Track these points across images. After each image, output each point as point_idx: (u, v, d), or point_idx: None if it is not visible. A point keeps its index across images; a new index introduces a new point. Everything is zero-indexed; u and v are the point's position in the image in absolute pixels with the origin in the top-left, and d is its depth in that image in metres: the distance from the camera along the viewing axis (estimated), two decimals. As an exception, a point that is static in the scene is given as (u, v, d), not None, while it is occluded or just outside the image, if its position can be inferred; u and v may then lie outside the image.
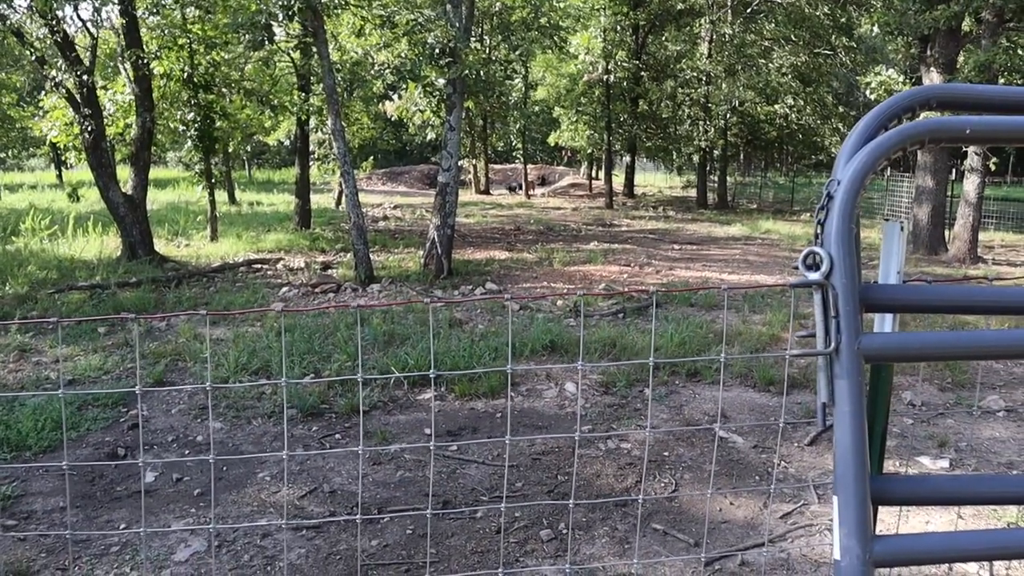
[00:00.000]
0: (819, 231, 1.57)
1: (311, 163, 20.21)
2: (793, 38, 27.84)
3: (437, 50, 12.23)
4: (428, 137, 31.23)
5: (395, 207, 25.53)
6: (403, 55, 16.94)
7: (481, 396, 6.28)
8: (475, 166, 35.72)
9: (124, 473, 4.86)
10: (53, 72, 12.86)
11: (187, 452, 5.21)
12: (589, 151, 33.42)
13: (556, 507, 4.40)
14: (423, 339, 7.56)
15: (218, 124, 16.57)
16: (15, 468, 4.83)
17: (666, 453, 5.18)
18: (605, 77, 27.77)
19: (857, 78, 24.99)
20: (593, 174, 38.83)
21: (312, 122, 19.20)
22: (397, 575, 3.72)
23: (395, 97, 23.11)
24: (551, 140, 33.11)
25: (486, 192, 35.21)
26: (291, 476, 4.74)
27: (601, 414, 5.90)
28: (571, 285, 11.36)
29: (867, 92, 16.72)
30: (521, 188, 34.95)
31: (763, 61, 28.90)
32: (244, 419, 5.72)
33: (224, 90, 17.69)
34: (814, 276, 1.53)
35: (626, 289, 10.68)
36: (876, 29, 17.45)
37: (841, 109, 31.85)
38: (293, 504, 4.40)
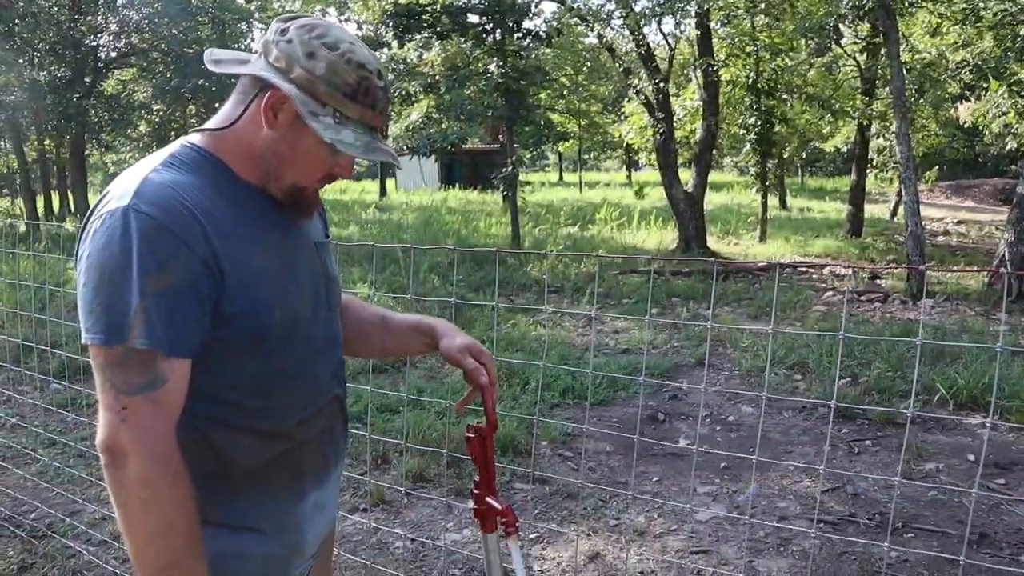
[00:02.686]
0: None
1: (868, 171, 19.41)
2: None
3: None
4: (1008, 147, 27.62)
5: (958, 223, 23.22)
6: (985, 52, 15.34)
7: (1042, 431, 5.52)
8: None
9: (661, 435, 5.36)
10: (635, 81, 14.44)
11: (718, 428, 5.54)
12: None
13: None
14: (976, 360, 6.85)
15: (777, 129, 16.92)
16: (577, 413, 5.64)
17: None
18: None
19: None
20: None
21: (873, 128, 18.44)
22: (918, 590, 3.53)
23: (972, 99, 20.87)
24: None
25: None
26: (814, 472, 4.74)
27: None
28: None
29: None
30: None
31: None
32: (775, 409, 5.86)
33: (785, 96, 17.96)
34: None
35: None
36: None
37: None
38: (813, 497, 4.42)
